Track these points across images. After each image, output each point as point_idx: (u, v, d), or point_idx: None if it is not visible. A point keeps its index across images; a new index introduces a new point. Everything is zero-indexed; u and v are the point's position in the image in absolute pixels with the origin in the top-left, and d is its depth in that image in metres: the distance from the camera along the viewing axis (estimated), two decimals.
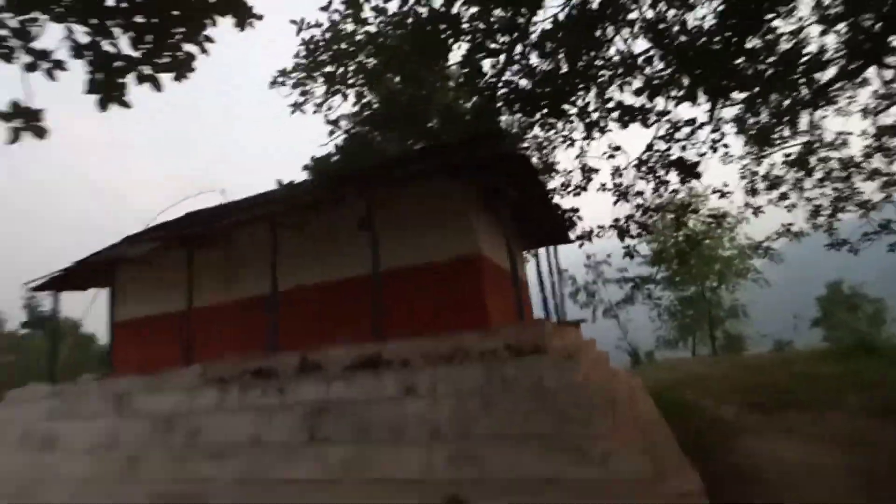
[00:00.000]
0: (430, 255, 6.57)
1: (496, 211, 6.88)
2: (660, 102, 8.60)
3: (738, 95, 8.94)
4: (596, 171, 10.51)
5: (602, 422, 4.09)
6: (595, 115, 8.45)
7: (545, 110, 6.88)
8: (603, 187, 10.59)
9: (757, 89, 8.58)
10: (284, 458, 4.94)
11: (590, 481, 3.69)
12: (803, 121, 11.75)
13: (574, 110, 7.81)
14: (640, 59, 7.60)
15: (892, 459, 4.85)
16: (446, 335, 5.46)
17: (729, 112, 10.54)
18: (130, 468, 5.53)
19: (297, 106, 9.06)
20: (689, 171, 9.64)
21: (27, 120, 3.67)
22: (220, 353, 7.15)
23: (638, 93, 7.53)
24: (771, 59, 7.85)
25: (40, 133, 3.68)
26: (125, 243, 8.11)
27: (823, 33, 8.58)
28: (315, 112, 9.09)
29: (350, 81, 8.77)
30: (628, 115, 8.26)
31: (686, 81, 7.26)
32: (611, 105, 8.05)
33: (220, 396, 5.99)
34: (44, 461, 6.27)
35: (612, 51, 7.93)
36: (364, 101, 8.97)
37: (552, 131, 9.52)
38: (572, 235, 10.17)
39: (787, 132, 12.14)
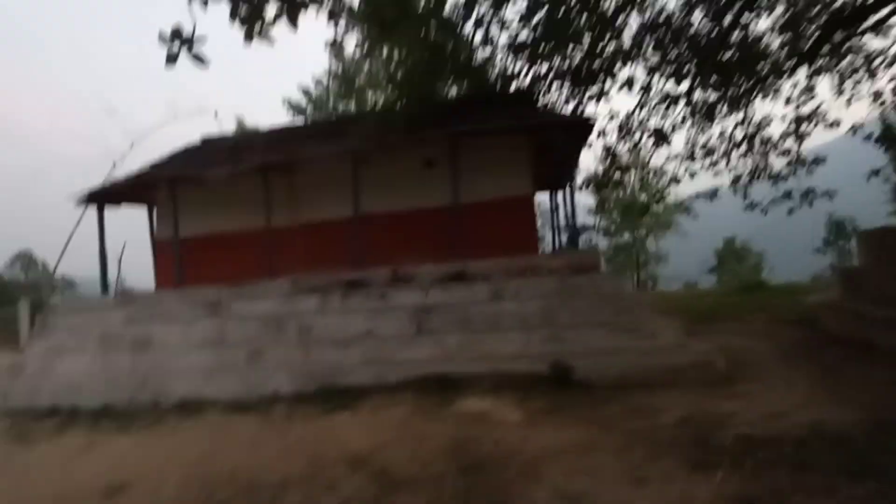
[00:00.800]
0: (490, 192, 7.94)
1: (538, 156, 8.37)
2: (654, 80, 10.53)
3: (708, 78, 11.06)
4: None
5: (645, 313, 6.07)
6: (605, 86, 10.10)
7: (587, 84, 8.30)
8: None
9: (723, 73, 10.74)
10: (402, 344, 6.37)
11: (645, 348, 5.68)
12: (741, 102, 14.40)
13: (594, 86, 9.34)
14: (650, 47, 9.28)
15: (791, 343, 7.58)
16: (511, 257, 7.05)
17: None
18: (255, 358, 6.59)
19: (336, 44, 9.38)
20: (662, 137, 11.88)
21: (187, 46, 3.61)
22: (290, 269, 8.07)
23: (649, 72, 9.24)
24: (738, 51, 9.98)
25: (200, 61, 3.70)
26: (177, 161, 8.35)
27: (772, 32, 10.83)
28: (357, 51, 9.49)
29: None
30: (629, 87, 10.13)
31: (688, 67, 9.09)
32: (621, 80, 9.73)
33: (321, 302, 7.12)
34: (146, 359, 7.00)
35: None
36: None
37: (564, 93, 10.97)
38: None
39: (726, 110, 14.76)
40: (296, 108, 20.12)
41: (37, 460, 4.90)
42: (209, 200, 8.79)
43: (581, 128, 7.51)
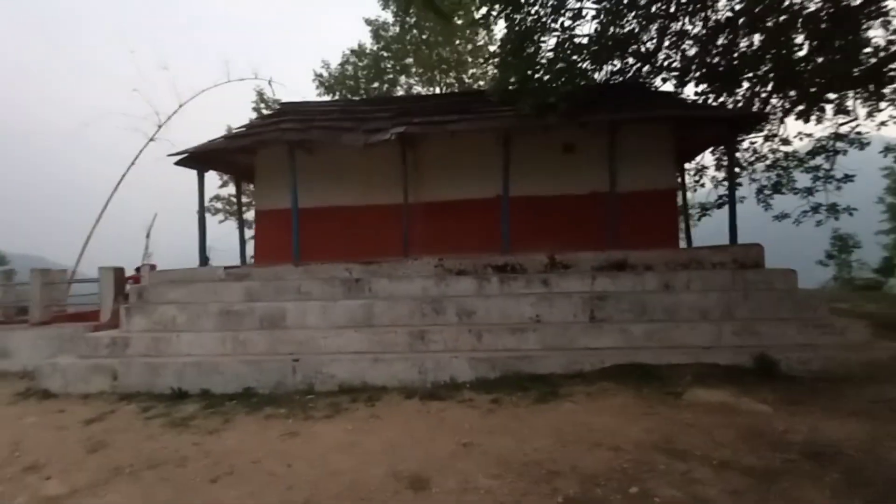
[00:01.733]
0: (635, 183, 7.78)
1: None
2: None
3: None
4: None
5: (824, 310, 6.15)
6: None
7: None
8: None
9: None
10: (581, 332, 6.08)
11: (839, 344, 5.73)
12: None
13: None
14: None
15: None
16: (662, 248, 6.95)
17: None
18: (419, 341, 6.08)
19: (484, 20, 8.80)
20: None
21: None
22: (411, 249, 7.57)
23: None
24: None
25: None
26: (269, 126, 7.59)
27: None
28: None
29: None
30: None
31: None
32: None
33: (478, 285, 6.70)
34: (284, 339, 6.29)
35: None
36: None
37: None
38: None
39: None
40: (324, 83, 19.06)
41: (253, 448, 4.23)
42: (317, 170, 8.08)
43: (751, 121, 7.53)
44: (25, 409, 5.71)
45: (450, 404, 5.14)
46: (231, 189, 20.33)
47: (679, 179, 8.65)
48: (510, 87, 7.60)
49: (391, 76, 19.18)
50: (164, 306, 6.77)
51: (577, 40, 7.53)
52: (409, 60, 18.50)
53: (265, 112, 20.61)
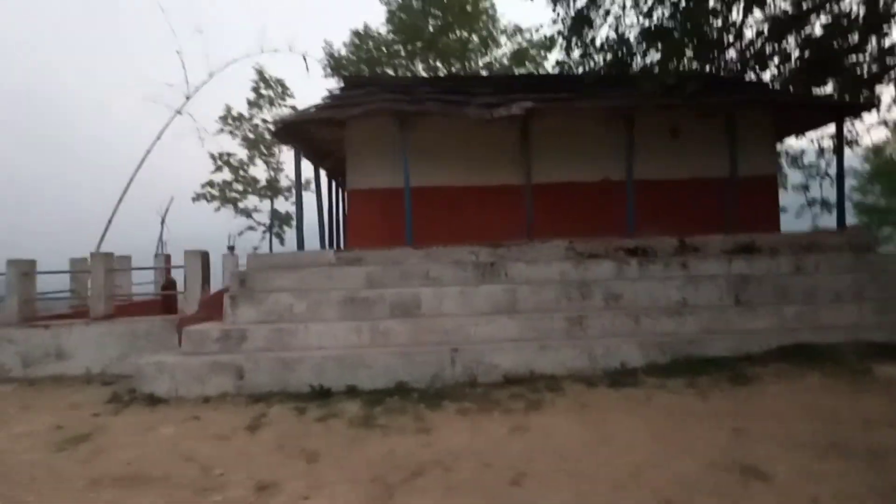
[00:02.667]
0: (731, 169, 7.82)
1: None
2: None
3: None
4: None
5: None
6: None
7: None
8: None
9: None
10: (735, 315, 6.01)
11: None
12: None
13: None
14: None
15: None
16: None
17: None
18: (580, 325, 5.73)
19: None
20: None
21: None
22: (524, 232, 7.20)
23: None
24: None
25: None
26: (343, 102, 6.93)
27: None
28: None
29: None
30: None
31: None
32: None
33: (617, 268, 6.44)
34: (425, 328, 5.72)
35: None
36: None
37: None
38: None
39: None
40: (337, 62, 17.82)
41: (494, 446, 3.72)
42: (415, 148, 7.45)
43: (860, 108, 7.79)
44: (143, 419, 4.76)
45: (647, 391, 4.86)
46: (225, 175, 18.81)
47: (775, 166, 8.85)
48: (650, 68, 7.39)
49: (403, 60, 18.40)
50: (275, 294, 5.94)
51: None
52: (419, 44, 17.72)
53: (265, 93, 19.22)
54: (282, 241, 19.31)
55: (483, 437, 3.96)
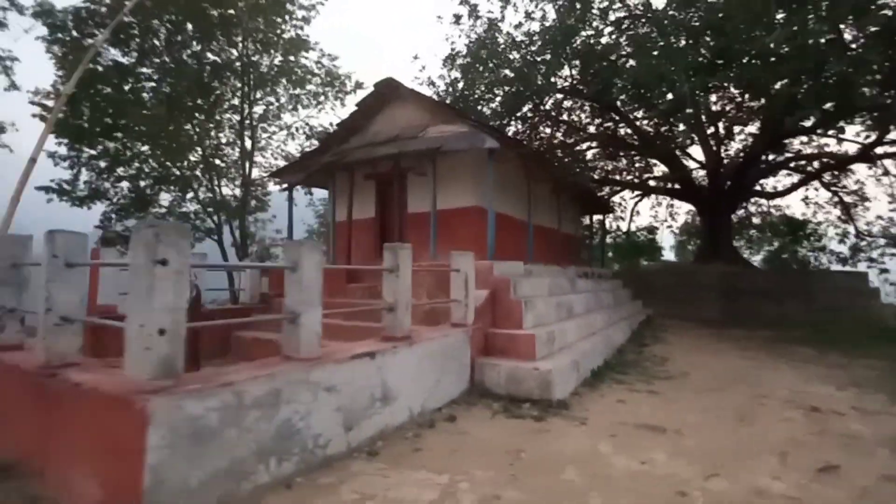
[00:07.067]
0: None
1: None
2: None
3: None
4: None
5: None
6: None
7: None
8: None
9: None
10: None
11: None
12: None
13: None
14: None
15: None
16: None
17: None
18: None
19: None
20: None
21: None
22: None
23: None
24: None
25: None
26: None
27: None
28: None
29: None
30: None
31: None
32: None
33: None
34: (586, 325, 8.11)
35: None
36: None
37: None
38: None
39: None
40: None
41: None
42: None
43: None
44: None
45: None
46: None
47: None
48: None
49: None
50: (534, 300, 6.54)
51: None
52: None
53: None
54: None
55: None
